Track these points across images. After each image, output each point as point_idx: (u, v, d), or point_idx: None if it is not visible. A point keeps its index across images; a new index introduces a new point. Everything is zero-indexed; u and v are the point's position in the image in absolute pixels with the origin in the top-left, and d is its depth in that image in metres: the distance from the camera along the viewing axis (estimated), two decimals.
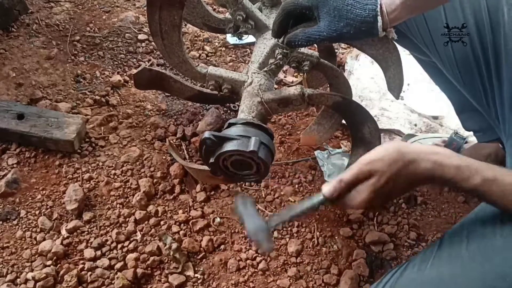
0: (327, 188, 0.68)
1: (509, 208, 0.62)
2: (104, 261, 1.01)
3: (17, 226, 1.06)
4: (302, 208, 0.71)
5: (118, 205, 1.12)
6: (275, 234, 1.11)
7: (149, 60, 1.50)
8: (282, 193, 1.18)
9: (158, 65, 1.49)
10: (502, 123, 0.84)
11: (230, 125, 0.87)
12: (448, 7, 0.86)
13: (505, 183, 0.60)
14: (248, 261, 1.05)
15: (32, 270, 0.98)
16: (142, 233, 1.08)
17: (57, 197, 1.11)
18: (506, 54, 0.80)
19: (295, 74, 1.56)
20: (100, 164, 1.19)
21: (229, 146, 0.83)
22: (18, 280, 0.97)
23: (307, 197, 1.11)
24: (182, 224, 1.10)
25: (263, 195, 1.18)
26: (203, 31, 1.61)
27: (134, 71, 1.29)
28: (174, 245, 1.03)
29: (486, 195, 0.62)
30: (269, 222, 0.71)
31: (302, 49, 1.08)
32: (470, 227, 0.68)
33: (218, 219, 1.12)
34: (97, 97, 1.34)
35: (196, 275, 1.03)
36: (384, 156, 0.64)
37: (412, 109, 1.47)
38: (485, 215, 0.68)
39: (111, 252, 1.04)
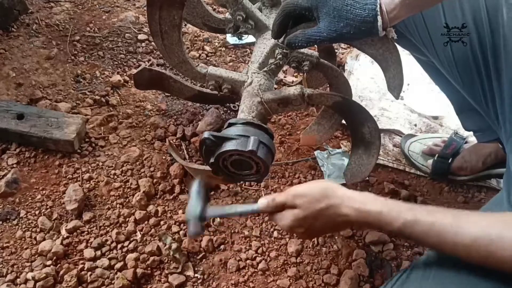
0: (261, 202, 0.74)
1: (433, 248, 0.64)
2: (104, 261, 1.01)
3: (17, 226, 1.06)
4: (238, 210, 0.78)
5: (118, 205, 1.12)
6: (275, 234, 1.11)
7: (149, 60, 1.50)
8: None
9: (158, 65, 1.49)
10: (503, 123, 0.84)
11: (230, 125, 0.87)
12: (447, 7, 0.85)
13: (427, 224, 0.62)
14: (248, 261, 1.05)
15: (32, 270, 0.98)
16: (142, 233, 1.08)
17: (57, 197, 1.11)
18: (506, 55, 0.80)
19: (295, 74, 1.56)
20: (100, 164, 1.19)
21: (228, 146, 0.83)
22: (18, 280, 0.97)
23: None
24: (182, 224, 1.10)
25: (263, 195, 1.18)
26: (203, 31, 1.60)
27: (134, 71, 1.29)
28: (174, 245, 1.03)
29: (411, 236, 0.64)
30: (208, 211, 0.76)
31: (302, 49, 1.08)
32: None
33: (218, 219, 1.12)
34: (97, 97, 1.34)
35: (196, 275, 1.03)
36: (309, 194, 0.70)
37: (412, 109, 1.47)
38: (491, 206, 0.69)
39: (111, 252, 1.04)
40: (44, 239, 1.04)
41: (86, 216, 1.08)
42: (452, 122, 1.42)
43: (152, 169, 1.19)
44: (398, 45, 1.03)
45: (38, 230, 1.06)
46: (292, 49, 0.96)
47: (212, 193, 1.17)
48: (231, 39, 1.61)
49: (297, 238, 1.08)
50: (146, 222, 1.10)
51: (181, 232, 1.09)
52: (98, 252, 1.03)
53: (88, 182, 1.15)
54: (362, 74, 1.54)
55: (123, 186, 1.15)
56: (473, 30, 0.83)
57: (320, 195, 0.69)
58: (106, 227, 1.08)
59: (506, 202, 0.75)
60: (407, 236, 0.64)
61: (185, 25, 1.59)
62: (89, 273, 0.99)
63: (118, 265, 1.01)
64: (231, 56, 1.58)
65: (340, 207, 0.68)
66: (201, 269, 1.04)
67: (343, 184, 1.18)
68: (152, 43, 1.53)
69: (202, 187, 0.79)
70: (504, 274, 0.58)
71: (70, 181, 1.15)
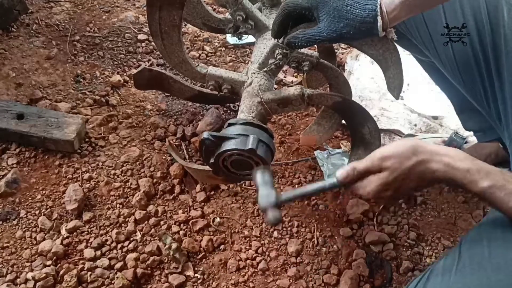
0: (340, 172, 0.70)
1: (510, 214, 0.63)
2: (104, 261, 1.01)
3: (17, 226, 1.06)
4: (314, 188, 0.73)
5: (118, 205, 1.12)
6: (275, 234, 1.11)
7: (149, 60, 1.50)
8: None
9: (158, 65, 1.49)
10: (505, 123, 0.84)
11: (230, 125, 0.88)
12: (448, 7, 0.85)
13: (510, 189, 0.61)
14: (248, 261, 1.05)
15: (32, 270, 0.98)
16: (142, 233, 1.08)
17: (57, 197, 1.11)
18: (507, 55, 0.80)
19: (295, 74, 1.56)
20: (100, 164, 1.19)
21: (227, 145, 0.83)
22: (18, 280, 0.97)
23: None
24: (182, 224, 1.10)
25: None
26: (203, 31, 1.60)
27: (134, 71, 1.29)
28: (174, 245, 1.03)
29: (490, 198, 0.63)
30: (281, 195, 0.73)
31: (302, 49, 1.08)
32: (489, 232, 0.68)
33: (218, 219, 1.12)
34: (97, 97, 1.34)
35: (196, 275, 1.03)
36: (398, 153, 0.66)
37: (412, 109, 1.47)
38: (504, 218, 0.68)
39: (111, 252, 1.04)
40: (44, 239, 1.04)
41: (86, 216, 1.08)
42: (452, 122, 1.42)
43: (152, 169, 1.19)
44: (399, 45, 1.03)
45: (38, 230, 1.06)
46: (292, 49, 0.96)
47: (212, 193, 1.17)
48: (231, 39, 1.61)
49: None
50: (146, 222, 1.10)
51: (181, 232, 1.09)
52: (98, 252, 1.03)
53: (88, 182, 1.15)
54: (362, 74, 1.54)
55: (123, 186, 1.15)
56: (473, 30, 0.83)
57: (410, 152, 0.66)
58: (106, 227, 1.08)
59: None
60: (489, 199, 0.63)
61: (185, 25, 1.59)
62: (89, 273, 0.99)
63: (118, 265, 1.01)
64: (231, 56, 1.58)
65: (430, 163, 0.65)
66: (201, 269, 1.04)
67: None
68: (152, 43, 1.53)
69: (266, 173, 0.76)
70: None
71: (70, 181, 1.15)
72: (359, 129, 1.05)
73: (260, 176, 0.75)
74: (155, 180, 1.17)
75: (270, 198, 0.72)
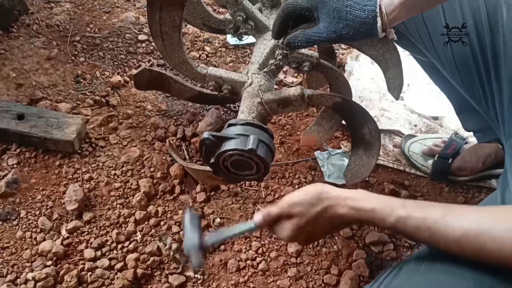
0: (257, 218, 0.74)
1: (426, 243, 0.64)
2: (104, 262, 1.01)
3: (17, 227, 1.06)
4: (235, 231, 0.77)
5: (118, 206, 1.12)
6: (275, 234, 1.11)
7: (149, 60, 1.50)
8: (282, 193, 1.18)
9: (158, 65, 1.49)
10: (502, 124, 0.84)
11: (230, 125, 0.87)
12: (447, 8, 0.86)
13: (419, 219, 0.62)
14: (248, 262, 1.05)
15: (32, 270, 0.98)
16: (142, 233, 1.08)
17: (57, 197, 1.12)
18: (505, 55, 0.80)
19: (295, 74, 1.56)
20: (100, 164, 1.19)
21: (228, 145, 0.83)
22: (18, 280, 0.97)
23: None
24: (182, 225, 1.10)
25: (263, 196, 1.18)
26: (203, 31, 1.61)
27: (134, 71, 1.29)
28: (174, 246, 1.03)
29: (405, 232, 0.64)
30: (206, 239, 0.76)
31: (302, 50, 1.08)
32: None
33: (218, 220, 1.12)
34: (97, 98, 1.34)
35: (196, 275, 1.03)
36: (304, 200, 0.70)
37: (412, 110, 1.47)
38: None
39: (111, 252, 1.04)
40: (44, 240, 1.04)
41: (86, 216, 1.08)
42: (452, 123, 1.42)
43: (152, 169, 1.19)
44: (399, 45, 1.03)
45: (38, 230, 1.06)
46: (292, 49, 0.96)
47: (212, 193, 1.18)
48: (231, 39, 1.61)
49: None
50: (146, 223, 1.10)
51: (181, 233, 1.09)
52: (98, 253, 1.03)
53: (88, 182, 1.15)
54: (362, 75, 1.54)
55: (123, 187, 1.15)
56: (473, 30, 0.83)
57: (315, 199, 0.70)
58: (106, 228, 1.08)
59: (500, 201, 0.76)
60: (401, 231, 0.65)
61: (185, 25, 1.59)
62: (89, 273, 0.99)
63: (118, 266, 1.01)
64: (231, 57, 1.58)
65: (336, 208, 0.68)
66: (201, 269, 1.04)
67: (343, 185, 1.19)
68: (152, 43, 1.53)
69: (194, 216, 0.79)
70: (494, 267, 0.58)
71: (70, 181, 1.15)
72: (359, 130, 1.05)
73: (188, 219, 0.78)
74: (155, 181, 1.17)
75: (194, 242, 0.75)
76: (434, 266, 0.63)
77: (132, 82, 1.34)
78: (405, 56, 1.08)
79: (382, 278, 0.68)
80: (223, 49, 1.60)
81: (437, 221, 0.61)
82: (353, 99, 1.24)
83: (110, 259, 1.02)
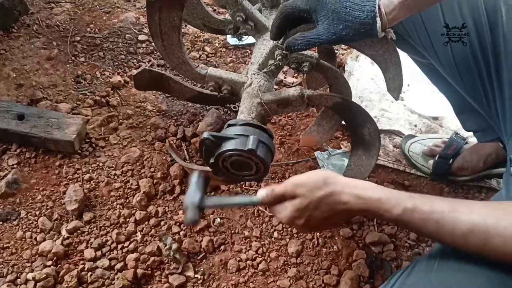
0: (260, 193, 0.73)
1: (431, 237, 0.64)
2: (104, 262, 1.01)
3: (18, 227, 1.06)
4: (238, 201, 0.79)
5: (118, 206, 1.12)
6: (275, 234, 1.11)
7: (149, 60, 1.50)
8: None
9: (158, 66, 1.50)
10: (503, 124, 0.84)
11: (230, 126, 0.88)
12: (446, 8, 0.86)
13: (426, 212, 0.62)
14: (248, 262, 1.06)
15: (32, 271, 0.99)
16: (142, 233, 1.08)
17: (57, 197, 1.12)
18: (506, 55, 0.80)
19: (295, 75, 1.56)
20: (101, 164, 1.19)
21: (227, 146, 0.83)
22: (19, 280, 0.97)
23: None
24: (182, 225, 1.10)
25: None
26: (203, 32, 1.61)
27: (135, 72, 1.29)
28: (174, 246, 1.03)
29: (410, 224, 0.64)
30: (205, 200, 0.76)
31: None
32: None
33: (218, 220, 1.12)
34: (98, 98, 1.34)
35: (196, 275, 1.03)
36: (309, 182, 0.69)
37: (412, 110, 1.47)
38: None
39: (111, 252, 1.04)
40: (44, 240, 1.04)
41: (87, 216, 1.08)
42: (452, 123, 1.42)
43: (152, 169, 1.19)
44: (398, 48, 1.03)
45: (38, 230, 1.06)
46: (291, 52, 0.96)
47: (213, 193, 1.18)
48: (231, 40, 1.61)
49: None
50: (146, 223, 1.10)
51: (181, 233, 1.09)
52: (99, 253, 1.03)
53: (88, 182, 1.15)
54: (362, 75, 1.54)
55: (123, 187, 1.15)
56: (472, 30, 0.83)
57: (321, 183, 0.68)
58: (106, 228, 1.08)
59: (505, 199, 0.76)
60: (405, 223, 0.64)
61: (185, 25, 1.59)
62: (90, 273, 0.99)
63: (119, 266, 1.01)
64: (231, 57, 1.58)
65: (341, 194, 0.67)
66: (201, 269, 1.04)
67: None
68: (152, 44, 1.53)
69: (201, 177, 0.79)
70: (507, 264, 0.58)
71: (70, 181, 1.15)
72: (359, 130, 1.05)
73: (195, 178, 0.79)
74: (155, 181, 1.17)
75: (195, 199, 0.75)
76: (447, 264, 0.63)
77: (132, 82, 1.35)
78: (405, 56, 1.08)
79: (395, 278, 0.68)
80: (223, 50, 1.60)
81: (444, 215, 0.60)
82: (353, 99, 1.24)
83: (110, 259, 1.02)
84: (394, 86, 1.06)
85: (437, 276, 0.62)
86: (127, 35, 1.56)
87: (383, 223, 1.15)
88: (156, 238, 1.07)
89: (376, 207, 0.65)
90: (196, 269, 1.04)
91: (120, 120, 1.31)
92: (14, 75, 1.36)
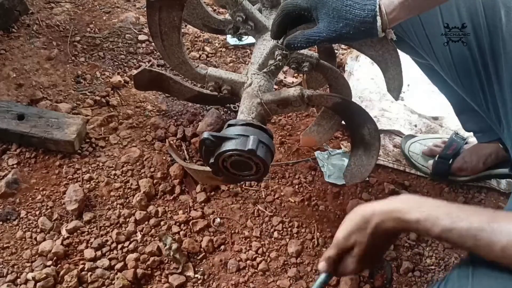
0: (322, 266, 0.74)
1: (474, 252, 0.63)
2: (104, 262, 1.01)
3: (17, 227, 1.06)
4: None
5: (118, 206, 1.12)
6: (275, 234, 1.11)
7: (149, 60, 1.50)
8: (282, 193, 1.19)
9: (158, 66, 1.50)
10: (506, 126, 0.84)
11: (230, 126, 0.88)
12: (445, 10, 0.86)
13: (464, 229, 0.61)
14: (248, 262, 1.06)
15: (32, 271, 0.99)
16: (142, 233, 1.08)
17: (57, 197, 1.12)
18: (505, 57, 0.80)
19: (295, 75, 1.56)
20: (100, 164, 1.19)
21: (227, 146, 0.83)
22: (18, 280, 0.97)
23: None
24: (182, 225, 1.10)
25: (263, 196, 1.18)
26: (203, 32, 1.61)
27: (135, 71, 1.29)
28: (174, 246, 1.03)
29: (449, 241, 0.63)
30: None
31: (302, 50, 1.08)
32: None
33: (218, 220, 1.12)
34: (98, 98, 1.34)
35: (196, 275, 1.03)
36: (353, 229, 0.70)
37: (412, 110, 1.47)
38: None
39: (111, 252, 1.04)
40: (44, 240, 1.04)
41: (87, 216, 1.08)
42: (452, 123, 1.42)
43: (152, 169, 1.19)
44: (397, 48, 1.03)
45: (38, 230, 1.06)
46: (291, 50, 0.96)
47: (213, 193, 1.18)
48: (231, 40, 1.61)
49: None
50: (146, 223, 1.10)
51: (181, 233, 1.09)
52: (99, 253, 1.03)
53: (88, 182, 1.15)
54: (362, 75, 1.54)
55: (123, 187, 1.15)
56: (471, 33, 0.83)
57: (362, 222, 0.69)
58: (106, 228, 1.08)
59: None
60: (445, 241, 0.64)
61: (185, 25, 1.59)
62: (89, 273, 0.99)
63: (119, 266, 1.01)
64: (231, 57, 1.58)
65: (385, 223, 0.67)
66: (201, 269, 1.04)
67: (343, 185, 1.19)
68: (152, 44, 1.53)
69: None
70: None
71: (70, 181, 1.15)
72: (358, 130, 1.05)
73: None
74: (155, 181, 1.17)
75: None
76: (481, 271, 0.63)
77: (132, 82, 1.34)
78: (405, 56, 1.08)
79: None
80: (223, 50, 1.60)
81: (482, 229, 0.59)
82: (353, 99, 1.24)
83: (110, 259, 1.02)
84: (394, 86, 1.06)
85: (473, 283, 0.62)
86: (127, 35, 1.56)
87: None
88: (156, 238, 1.07)
89: (415, 228, 0.65)
90: (196, 269, 1.04)
91: (120, 120, 1.31)
92: (14, 75, 1.36)
